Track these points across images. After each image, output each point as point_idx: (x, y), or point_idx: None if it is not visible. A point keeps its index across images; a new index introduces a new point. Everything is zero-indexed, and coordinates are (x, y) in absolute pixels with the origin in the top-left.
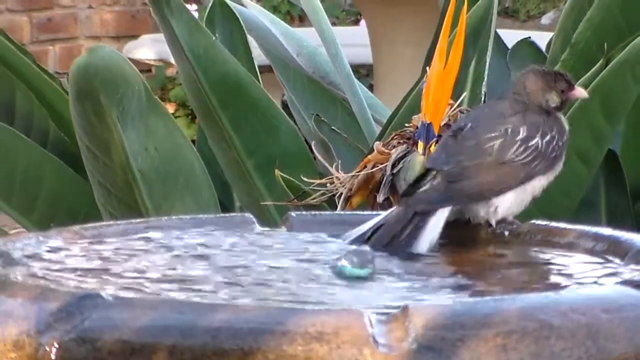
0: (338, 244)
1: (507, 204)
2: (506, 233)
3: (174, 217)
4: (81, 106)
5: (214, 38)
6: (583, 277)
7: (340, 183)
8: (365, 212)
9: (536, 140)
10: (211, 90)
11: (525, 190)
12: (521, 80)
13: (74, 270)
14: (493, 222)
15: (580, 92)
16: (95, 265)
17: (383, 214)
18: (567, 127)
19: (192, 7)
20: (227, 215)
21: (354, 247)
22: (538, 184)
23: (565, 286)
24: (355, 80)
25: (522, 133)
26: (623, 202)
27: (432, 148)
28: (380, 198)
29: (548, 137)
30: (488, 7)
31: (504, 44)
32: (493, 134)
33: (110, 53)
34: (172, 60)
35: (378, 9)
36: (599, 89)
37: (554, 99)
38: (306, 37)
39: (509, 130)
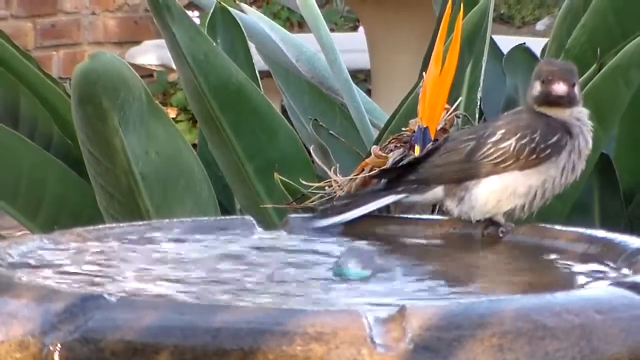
0: (337, 246)
1: (481, 200)
2: (501, 235)
3: (174, 219)
4: (83, 111)
5: (214, 44)
6: (577, 278)
7: (339, 186)
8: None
9: (509, 142)
10: (212, 95)
11: (502, 188)
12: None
13: (77, 271)
14: (472, 218)
15: (556, 88)
16: (97, 267)
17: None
18: (573, 124)
19: (194, 14)
20: (227, 217)
21: (352, 247)
22: (516, 181)
23: (560, 287)
24: (354, 85)
25: (497, 136)
26: (616, 204)
27: None
28: None
29: (526, 140)
30: (483, 13)
31: (500, 50)
32: (470, 136)
33: (111, 59)
34: (174, 66)
35: (376, 15)
36: (593, 94)
37: (536, 89)
38: (305, 43)
39: (485, 134)
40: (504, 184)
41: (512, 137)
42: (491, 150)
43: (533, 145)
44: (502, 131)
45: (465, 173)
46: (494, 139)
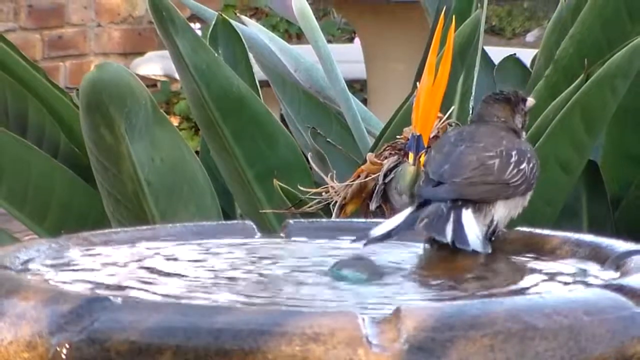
0: (334, 249)
1: (499, 216)
2: (492, 239)
3: (178, 224)
4: (91, 119)
5: (216, 55)
6: (566, 280)
7: (335, 192)
8: (359, 220)
9: (523, 167)
10: (213, 104)
11: (510, 209)
12: (488, 109)
13: (84, 274)
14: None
15: (530, 101)
16: (103, 270)
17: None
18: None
19: (196, 26)
20: (228, 222)
21: (350, 251)
22: (517, 205)
23: (549, 289)
24: (350, 95)
25: (513, 157)
26: (603, 210)
27: (422, 159)
28: (372, 206)
29: (531, 165)
30: (475, 25)
31: (491, 60)
32: (490, 153)
33: (117, 69)
34: (177, 76)
35: (371, 27)
36: (580, 103)
37: (520, 121)
38: (303, 53)
39: (503, 152)
40: (513, 205)
41: (524, 162)
42: (514, 172)
43: (535, 172)
44: (515, 152)
45: (495, 193)
46: (513, 159)
